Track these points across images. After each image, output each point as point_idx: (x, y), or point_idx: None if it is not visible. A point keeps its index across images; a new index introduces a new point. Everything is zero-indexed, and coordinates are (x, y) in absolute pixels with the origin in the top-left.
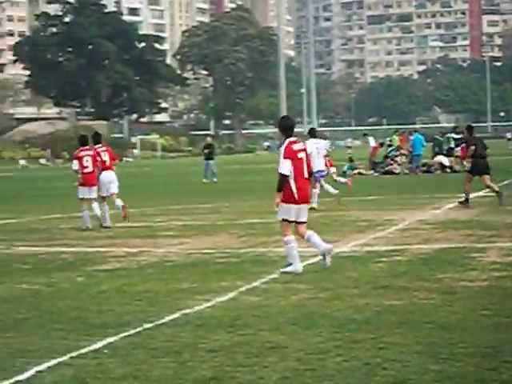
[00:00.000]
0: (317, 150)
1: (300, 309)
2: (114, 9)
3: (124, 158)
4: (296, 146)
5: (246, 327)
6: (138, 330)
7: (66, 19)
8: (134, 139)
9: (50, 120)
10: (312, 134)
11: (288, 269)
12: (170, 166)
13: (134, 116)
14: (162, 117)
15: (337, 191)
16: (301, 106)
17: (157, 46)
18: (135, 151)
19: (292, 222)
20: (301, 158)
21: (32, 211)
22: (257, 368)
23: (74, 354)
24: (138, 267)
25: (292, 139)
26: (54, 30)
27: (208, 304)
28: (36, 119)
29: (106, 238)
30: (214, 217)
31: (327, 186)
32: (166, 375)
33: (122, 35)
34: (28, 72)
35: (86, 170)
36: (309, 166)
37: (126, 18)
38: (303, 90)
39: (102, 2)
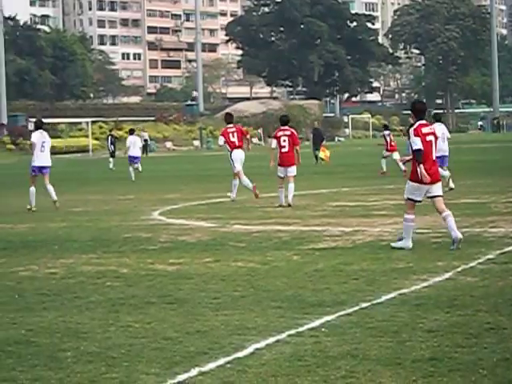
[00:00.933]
0: (442, 135)
1: None
2: None
3: (336, 137)
4: (425, 129)
5: (464, 307)
6: (355, 308)
7: None
8: (345, 118)
9: (261, 99)
10: (437, 118)
11: (399, 244)
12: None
13: (346, 95)
14: (373, 96)
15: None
16: None
17: (369, 25)
18: (347, 130)
19: (417, 201)
20: (429, 141)
21: (246, 190)
22: (476, 349)
23: (291, 331)
24: (354, 246)
25: (422, 122)
26: (266, 9)
27: (425, 284)
28: (248, 98)
29: (320, 216)
30: None
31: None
32: (384, 354)
33: (333, 14)
34: (240, 52)
35: (283, 150)
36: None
37: None
38: None
39: None
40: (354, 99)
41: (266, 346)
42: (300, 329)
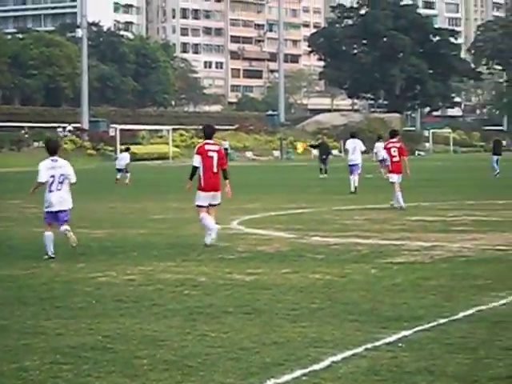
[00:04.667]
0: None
1: None
2: (410, 1)
3: (416, 151)
4: (208, 147)
5: None
6: (433, 324)
7: (362, 11)
8: (426, 133)
9: (343, 111)
10: (352, 135)
11: (210, 238)
12: (462, 161)
13: (427, 109)
14: (454, 111)
15: None
16: None
17: (451, 39)
18: (427, 145)
19: (205, 206)
20: (211, 156)
21: (323, 202)
22: None
23: (368, 345)
24: (432, 261)
25: (208, 141)
26: (350, 21)
27: (503, 301)
28: (329, 110)
29: (399, 230)
30: (508, 213)
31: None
32: (461, 371)
33: (417, 28)
34: (322, 63)
35: (394, 159)
36: (219, 164)
37: (421, 11)
38: None
39: None
40: (435, 113)
41: (342, 360)
42: (377, 343)
